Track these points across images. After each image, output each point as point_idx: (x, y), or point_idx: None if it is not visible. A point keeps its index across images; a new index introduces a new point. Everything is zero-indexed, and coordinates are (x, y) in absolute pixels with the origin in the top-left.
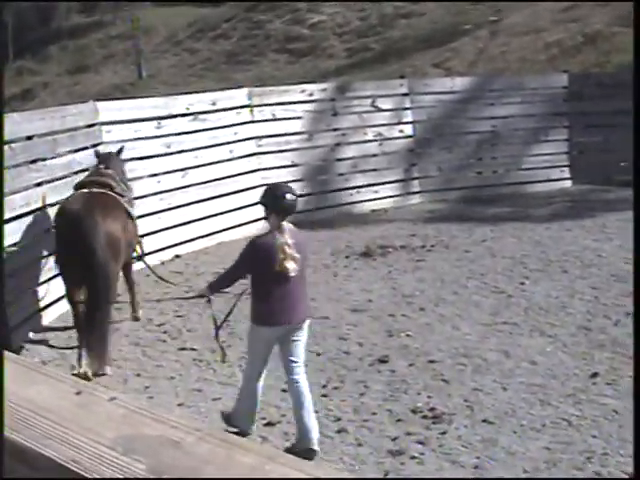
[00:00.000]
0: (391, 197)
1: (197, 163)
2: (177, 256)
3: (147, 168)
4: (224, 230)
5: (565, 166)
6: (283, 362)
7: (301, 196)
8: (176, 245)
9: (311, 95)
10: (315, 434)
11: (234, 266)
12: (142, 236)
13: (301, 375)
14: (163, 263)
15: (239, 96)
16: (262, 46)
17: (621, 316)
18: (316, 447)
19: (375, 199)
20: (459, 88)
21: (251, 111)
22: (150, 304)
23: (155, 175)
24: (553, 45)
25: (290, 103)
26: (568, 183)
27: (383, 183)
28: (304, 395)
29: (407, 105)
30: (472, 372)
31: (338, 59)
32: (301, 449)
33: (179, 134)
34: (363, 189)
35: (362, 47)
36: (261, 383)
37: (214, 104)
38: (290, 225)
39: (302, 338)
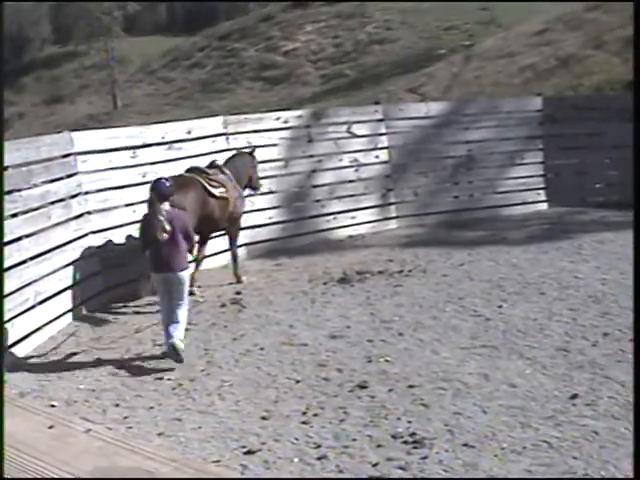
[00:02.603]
0: (368, 223)
1: None
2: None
3: (123, 198)
4: (202, 258)
5: (541, 189)
6: (170, 302)
7: (278, 223)
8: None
9: (286, 122)
10: (174, 337)
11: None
12: (120, 265)
13: (181, 309)
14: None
15: (214, 124)
16: (236, 74)
17: (599, 337)
18: (175, 351)
19: (352, 225)
20: (434, 113)
21: (227, 139)
22: (129, 333)
23: (131, 205)
24: (527, 69)
25: (265, 130)
26: (544, 205)
27: (360, 209)
28: (177, 315)
29: (382, 131)
30: (452, 396)
31: (313, 86)
32: (166, 351)
33: (154, 163)
34: (340, 215)
35: (336, 74)
36: (166, 311)
37: (189, 133)
38: (168, 207)
39: (179, 285)
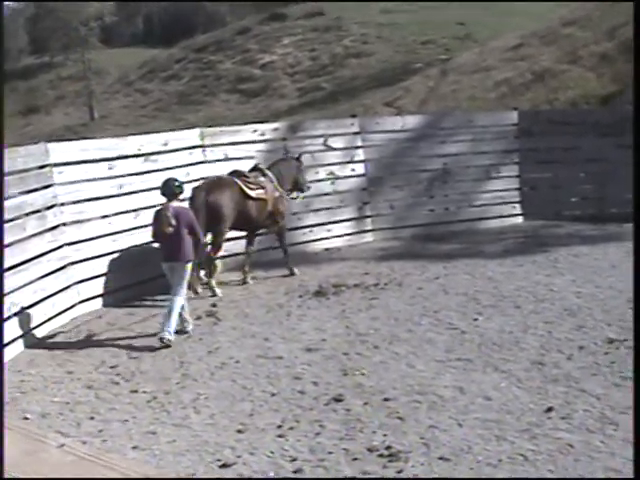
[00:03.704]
0: (344, 236)
1: (149, 204)
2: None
3: (99, 209)
4: None
5: (516, 202)
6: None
7: (256, 235)
8: (129, 286)
9: (263, 135)
10: (169, 329)
11: None
12: (95, 277)
13: (177, 298)
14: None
15: (191, 136)
16: (213, 86)
17: (574, 350)
18: (166, 338)
19: (328, 238)
20: (410, 126)
21: (203, 151)
22: (104, 346)
23: (107, 216)
24: (502, 83)
25: (242, 143)
26: (520, 219)
27: (336, 222)
28: (175, 302)
29: (359, 144)
30: (427, 409)
31: (290, 99)
32: (159, 337)
33: (131, 175)
34: (316, 228)
35: (313, 87)
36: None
37: (166, 145)
38: (175, 204)
39: (180, 272)
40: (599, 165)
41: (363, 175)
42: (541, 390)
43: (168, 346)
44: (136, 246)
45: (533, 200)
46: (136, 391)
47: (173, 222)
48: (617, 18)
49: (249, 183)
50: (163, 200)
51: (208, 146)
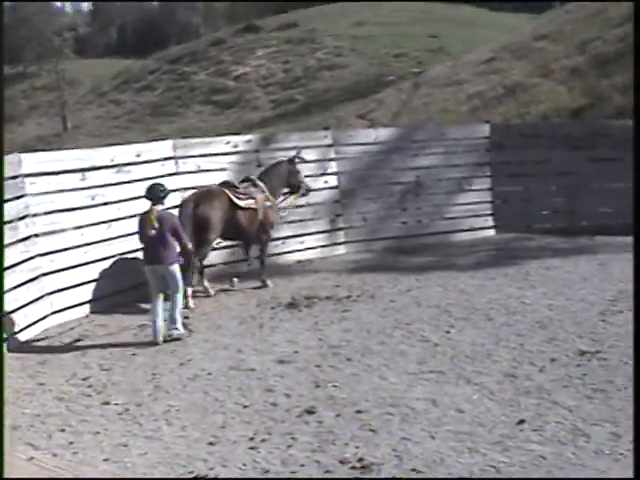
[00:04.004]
0: (316, 248)
1: (122, 215)
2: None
3: (71, 220)
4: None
5: (488, 215)
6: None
7: (226, 247)
8: (100, 298)
9: (236, 147)
10: (175, 326)
11: None
12: (67, 288)
13: (175, 297)
14: (87, 316)
15: (163, 148)
16: (187, 98)
17: (546, 362)
18: (174, 334)
19: (300, 250)
20: (383, 139)
21: (176, 162)
22: (76, 357)
23: (79, 227)
24: (475, 96)
25: (215, 155)
26: (491, 232)
27: (308, 234)
28: (173, 303)
29: (332, 156)
30: (400, 421)
31: (263, 110)
32: (166, 335)
33: (103, 186)
34: (289, 240)
35: (286, 99)
36: (159, 302)
37: (138, 156)
38: (160, 208)
39: (169, 276)
40: (570, 178)
41: (336, 187)
42: (513, 402)
43: (178, 339)
44: (109, 257)
45: (505, 213)
46: (108, 403)
47: (156, 225)
48: (588, 32)
49: (238, 193)
50: (136, 210)
51: (181, 158)
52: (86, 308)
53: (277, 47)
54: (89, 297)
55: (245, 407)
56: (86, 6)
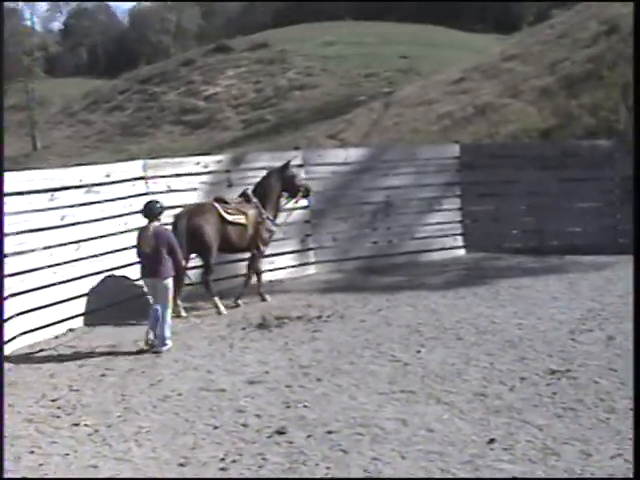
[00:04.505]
0: (287, 268)
1: (91, 235)
2: (71, 330)
3: (40, 240)
4: (120, 303)
5: (458, 234)
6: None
7: (197, 267)
8: (70, 319)
9: (206, 167)
10: (164, 339)
11: None
12: (36, 309)
13: (165, 310)
14: (57, 337)
15: (133, 168)
16: (157, 118)
17: (516, 382)
18: (162, 350)
19: (271, 270)
20: (353, 159)
21: (146, 183)
22: (45, 379)
23: (48, 247)
24: (445, 116)
25: (185, 175)
26: (461, 251)
27: (279, 254)
28: (163, 316)
29: (302, 176)
30: (370, 441)
31: (233, 130)
32: (152, 347)
33: (73, 206)
34: (263, 259)
35: (257, 119)
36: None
37: (108, 176)
38: (156, 224)
39: (162, 289)
40: (540, 198)
41: (306, 207)
42: (483, 421)
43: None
44: (79, 277)
45: (475, 233)
46: (77, 424)
47: (152, 242)
48: (557, 53)
49: (228, 208)
50: (107, 231)
51: (151, 178)
52: (55, 329)
53: (248, 67)
54: (58, 318)
55: (215, 428)
56: (57, 26)
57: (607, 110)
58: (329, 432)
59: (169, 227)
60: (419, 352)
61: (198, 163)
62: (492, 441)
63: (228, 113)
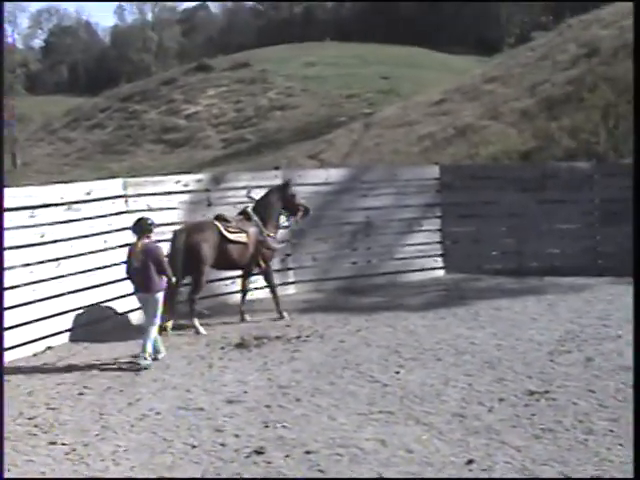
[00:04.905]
0: (266, 287)
1: (71, 253)
2: (49, 348)
3: (20, 258)
4: (99, 321)
5: (438, 255)
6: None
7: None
8: (49, 336)
9: (186, 186)
10: (144, 355)
11: None
12: (15, 327)
13: (152, 326)
14: (35, 355)
15: (114, 186)
16: (138, 136)
17: (495, 402)
18: (142, 365)
19: (250, 289)
20: (333, 179)
21: (126, 201)
22: (23, 396)
23: (28, 265)
24: (425, 137)
25: (165, 194)
26: (441, 272)
27: (258, 273)
28: (149, 331)
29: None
30: (349, 462)
31: (214, 149)
32: (137, 360)
33: (53, 224)
34: (238, 279)
35: (238, 138)
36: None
37: (89, 194)
38: (146, 240)
39: (152, 303)
40: (519, 220)
41: (286, 227)
42: (462, 442)
43: (145, 368)
44: (59, 295)
45: (454, 254)
46: (54, 443)
47: (141, 257)
48: (537, 75)
49: (229, 226)
50: (87, 248)
51: (131, 196)
52: (34, 346)
53: (229, 87)
54: (37, 335)
55: (194, 447)
56: (38, 43)
57: (587, 132)
58: (308, 452)
59: (161, 243)
60: (398, 373)
61: (178, 182)
62: (471, 462)
63: (209, 132)
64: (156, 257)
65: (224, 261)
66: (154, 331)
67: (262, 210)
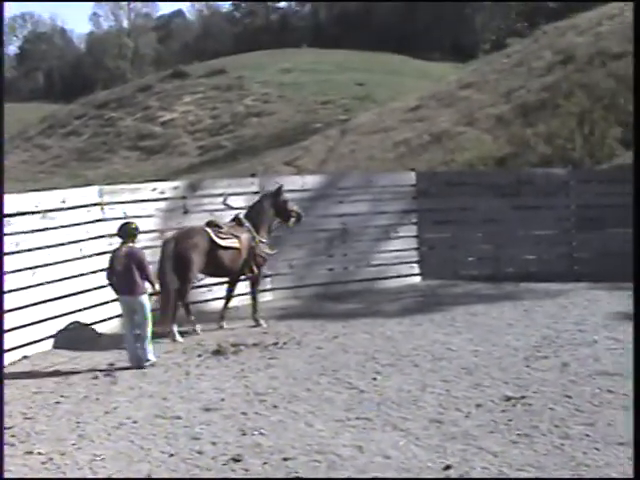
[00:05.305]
0: (243, 295)
1: (47, 261)
2: (25, 357)
3: None
4: (75, 329)
5: (414, 262)
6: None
7: (152, 295)
8: (24, 345)
9: (162, 193)
10: (146, 356)
11: None
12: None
13: (144, 326)
14: (11, 364)
15: (89, 194)
16: (113, 143)
17: (472, 408)
18: (147, 364)
19: (234, 296)
20: (309, 186)
21: (102, 209)
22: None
23: (3, 274)
24: (401, 144)
25: (141, 201)
26: (417, 279)
27: (247, 279)
28: (142, 332)
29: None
30: (326, 468)
31: (190, 157)
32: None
33: (28, 232)
34: (215, 287)
35: (214, 145)
36: (131, 330)
37: (64, 202)
38: (130, 245)
39: (138, 306)
40: (496, 226)
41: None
42: (439, 448)
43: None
44: (34, 304)
45: (431, 260)
46: (31, 452)
47: (124, 260)
48: (513, 81)
49: (220, 232)
50: (62, 257)
51: (107, 204)
52: (10, 355)
53: (205, 93)
54: (13, 344)
55: (171, 455)
56: (12, 50)
57: (562, 139)
58: (285, 459)
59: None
60: (375, 379)
61: (154, 189)
62: (448, 468)
63: (185, 139)
64: (139, 261)
65: (216, 267)
66: (149, 330)
67: (254, 216)
